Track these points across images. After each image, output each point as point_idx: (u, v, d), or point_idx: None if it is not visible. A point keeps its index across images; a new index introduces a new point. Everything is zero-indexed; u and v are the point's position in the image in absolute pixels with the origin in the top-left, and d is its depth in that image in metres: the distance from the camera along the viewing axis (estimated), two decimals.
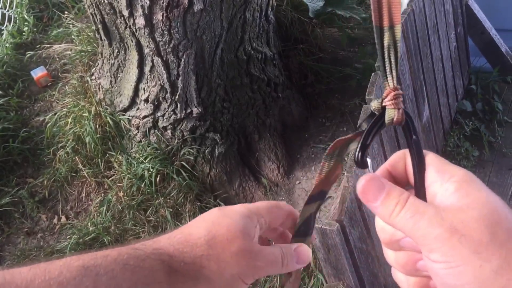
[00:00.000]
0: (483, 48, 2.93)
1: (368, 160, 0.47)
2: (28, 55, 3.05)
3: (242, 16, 2.23)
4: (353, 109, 2.82)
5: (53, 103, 2.90)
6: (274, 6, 2.55)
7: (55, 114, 2.70)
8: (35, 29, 3.21)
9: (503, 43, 2.89)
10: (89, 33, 3.00)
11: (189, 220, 2.14)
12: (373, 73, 1.87)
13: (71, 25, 3.15)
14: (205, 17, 2.08)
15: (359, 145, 0.47)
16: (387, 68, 0.46)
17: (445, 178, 0.43)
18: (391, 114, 0.46)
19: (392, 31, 0.45)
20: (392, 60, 0.46)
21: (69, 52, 3.02)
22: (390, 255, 0.49)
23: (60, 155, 2.60)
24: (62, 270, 0.43)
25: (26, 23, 3.20)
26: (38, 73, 2.95)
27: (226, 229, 0.52)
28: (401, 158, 0.48)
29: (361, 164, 0.47)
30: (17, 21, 3.20)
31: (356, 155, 0.48)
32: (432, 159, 0.45)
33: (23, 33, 3.14)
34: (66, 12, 3.17)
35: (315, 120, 2.91)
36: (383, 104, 0.46)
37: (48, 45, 3.10)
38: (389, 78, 0.46)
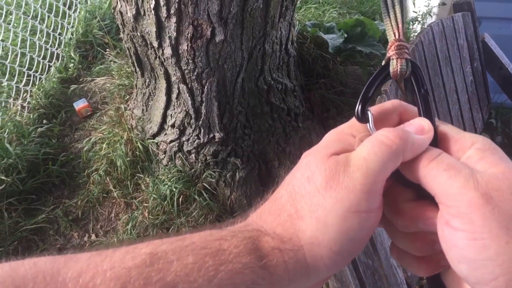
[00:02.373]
0: (502, 83, 2.99)
1: (369, 114, 0.44)
2: (72, 88, 3.34)
3: (261, 47, 2.41)
4: None
5: (91, 131, 3.14)
6: (294, 40, 2.72)
7: (91, 140, 2.92)
8: (80, 66, 3.51)
9: None
10: (127, 69, 3.26)
11: None
12: (378, 97, 1.98)
13: (112, 62, 3.43)
14: (226, 48, 2.27)
15: (360, 97, 0.44)
16: (391, 16, 0.45)
17: (466, 145, 0.40)
18: (394, 64, 0.44)
19: None
20: (397, 10, 0.44)
21: (109, 86, 3.29)
22: (404, 239, 0.44)
23: (94, 178, 2.80)
24: (125, 258, 0.36)
25: (72, 60, 3.51)
26: (80, 104, 3.22)
27: (304, 167, 0.43)
28: (393, 112, 0.45)
29: (362, 118, 0.44)
30: (65, 58, 3.51)
31: (357, 108, 0.44)
32: (445, 128, 0.43)
33: (69, 69, 3.44)
34: (107, 50, 3.46)
35: None
36: (387, 55, 0.45)
37: (90, 79, 3.38)
38: (394, 28, 0.44)
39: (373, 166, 0.39)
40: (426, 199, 0.40)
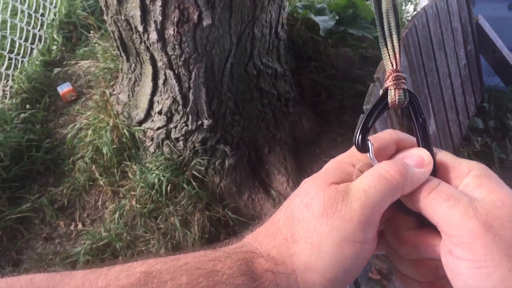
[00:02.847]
0: (496, 66, 2.94)
1: (370, 144, 0.44)
2: (56, 71, 3.23)
3: (250, 32, 2.33)
4: None
5: (76, 117, 3.05)
6: (285, 23, 2.64)
7: (76, 126, 2.84)
8: (63, 48, 3.40)
9: None
10: (112, 51, 3.16)
11: (198, 229, 2.20)
12: (371, 84, 1.93)
13: (96, 44, 3.33)
14: (214, 32, 2.19)
15: (359, 127, 0.44)
16: (389, 46, 0.45)
17: (463, 173, 0.41)
18: (393, 94, 0.45)
19: None
20: (394, 40, 0.45)
21: (94, 69, 3.19)
22: (407, 266, 0.44)
23: (79, 165, 2.73)
24: (120, 276, 0.36)
25: (55, 42, 3.40)
26: (64, 88, 3.12)
27: (303, 194, 0.42)
28: (391, 142, 0.45)
29: (362, 148, 0.44)
30: (47, 40, 3.39)
31: (356, 138, 0.44)
32: (442, 155, 0.43)
33: (52, 52, 3.33)
34: (91, 31, 3.36)
35: (327, 136, 2.96)
36: (385, 85, 0.45)
37: (74, 62, 3.28)
38: (391, 58, 0.45)
39: (372, 199, 0.39)
40: (428, 226, 0.41)
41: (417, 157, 0.43)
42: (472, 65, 2.85)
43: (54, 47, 3.38)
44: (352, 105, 2.98)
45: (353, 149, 0.45)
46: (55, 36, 3.43)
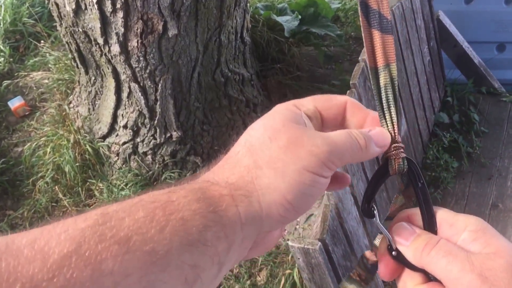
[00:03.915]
0: (457, 60, 2.99)
1: (375, 211, 0.47)
2: (5, 84, 3.03)
3: (217, 39, 2.25)
4: None
5: (31, 133, 2.87)
6: (249, 27, 2.57)
7: (33, 144, 2.67)
8: (11, 59, 3.19)
9: (475, 55, 2.95)
10: (65, 61, 2.99)
11: None
12: (348, 91, 1.90)
13: (47, 54, 3.14)
14: (180, 42, 2.09)
15: (364, 196, 0.47)
16: (387, 118, 0.48)
17: (460, 229, 0.44)
18: (393, 163, 0.47)
19: (389, 69, 0.47)
20: (392, 111, 0.48)
21: (46, 81, 3.01)
22: None
23: (39, 186, 2.57)
24: (77, 220, 0.35)
25: (1, 53, 3.18)
26: (15, 103, 2.93)
27: (263, 129, 0.44)
28: (406, 217, 0.48)
29: (368, 214, 0.47)
30: None
31: (362, 206, 0.48)
32: (442, 213, 0.46)
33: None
34: (42, 41, 3.17)
35: None
36: (385, 155, 0.48)
37: (25, 74, 3.08)
38: (390, 130, 0.48)
39: (339, 146, 0.43)
40: (435, 281, 0.44)
41: (379, 136, 0.46)
42: (435, 60, 2.88)
43: (1, 59, 3.16)
44: None
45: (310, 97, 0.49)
46: (1, 47, 3.21)
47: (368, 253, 0.49)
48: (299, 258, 1.73)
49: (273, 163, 0.42)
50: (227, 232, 0.39)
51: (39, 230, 0.35)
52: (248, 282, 2.33)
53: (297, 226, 2.49)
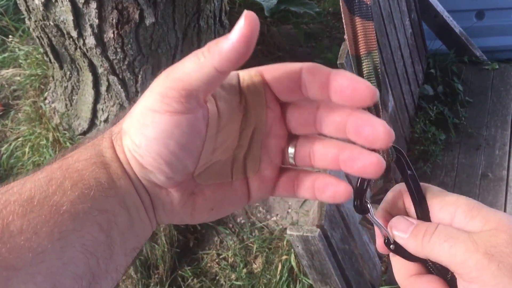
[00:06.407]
0: (438, 31, 2.96)
1: (369, 205, 0.46)
2: None
3: (196, 24, 2.17)
4: None
5: (7, 133, 2.76)
6: (228, 10, 2.49)
7: (10, 144, 2.57)
8: None
9: (456, 24, 2.92)
10: (37, 56, 2.87)
11: (166, 240, 2.05)
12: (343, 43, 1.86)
13: (16, 49, 3.01)
14: (158, 30, 2.01)
15: (355, 193, 0.45)
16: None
17: (451, 211, 0.43)
18: (381, 154, 0.45)
19: (371, 57, 0.44)
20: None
21: (18, 78, 2.89)
22: None
23: None
24: None
25: None
26: None
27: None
28: (399, 196, 0.47)
29: (361, 210, 0.46)
30: None
31: (355, 202, 0.46)
32: (429, 196, 0.45)
33: None
34: (10, 36, 3.03)
35: None
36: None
37: None
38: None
39: (177, 76, 0.38)
40: (436, 273, 0.44)
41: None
42: (417, 32, 2.84)
43: None
44: None
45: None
46: None
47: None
48: (298, 246, 1.70)
49: (131, 112, 0.41)
50: (114, 171, 0.40)
51: None
52: (245, 270, 2.30)
53: (289, 210, 2.46)
